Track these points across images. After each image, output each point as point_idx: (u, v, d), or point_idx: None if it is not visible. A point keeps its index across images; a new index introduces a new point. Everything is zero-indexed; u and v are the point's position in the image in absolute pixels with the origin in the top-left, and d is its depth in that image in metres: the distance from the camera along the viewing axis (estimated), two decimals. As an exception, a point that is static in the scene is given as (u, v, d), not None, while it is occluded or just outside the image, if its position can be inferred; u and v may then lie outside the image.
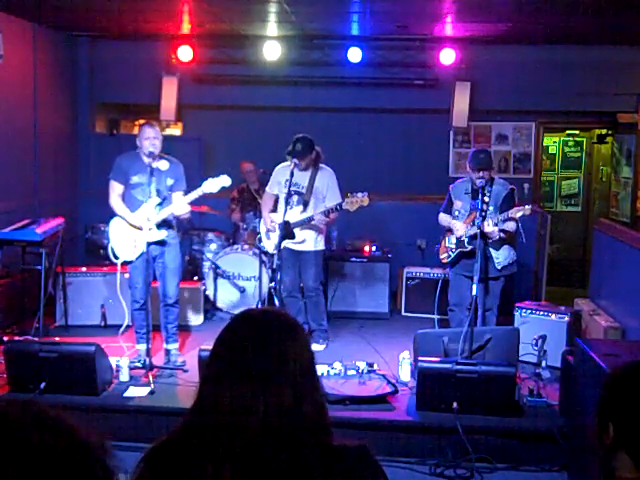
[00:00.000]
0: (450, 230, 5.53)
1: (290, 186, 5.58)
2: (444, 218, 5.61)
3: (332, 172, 5.85)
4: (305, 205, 5.76)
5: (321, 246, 5.94)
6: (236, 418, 1.32)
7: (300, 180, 5.76)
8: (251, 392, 1.33)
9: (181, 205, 5.12)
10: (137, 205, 5.19)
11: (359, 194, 5.47)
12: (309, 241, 5.82)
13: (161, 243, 5.21)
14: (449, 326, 5.68)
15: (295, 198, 5.78)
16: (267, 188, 6.05)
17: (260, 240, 6.15)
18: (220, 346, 1.44)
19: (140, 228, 5.16)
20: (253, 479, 1.30)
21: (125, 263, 5.32)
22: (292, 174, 5.54)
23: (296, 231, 5.71)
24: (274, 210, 5.98)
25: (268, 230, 5.95)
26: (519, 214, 4.98)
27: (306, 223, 5.72)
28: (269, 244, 5.95)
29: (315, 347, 5.91)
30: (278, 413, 1.33)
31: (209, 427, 1.35)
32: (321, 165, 5.82)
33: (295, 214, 5.75)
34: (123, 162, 5.27)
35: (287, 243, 5.73)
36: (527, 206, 4.99)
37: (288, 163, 5.69)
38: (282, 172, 5.80)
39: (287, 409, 1.33)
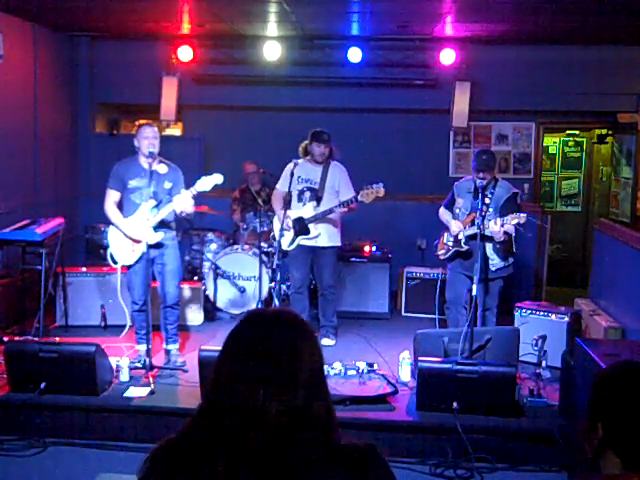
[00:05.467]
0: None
1: (291, 184, 5.65)
2: (444, 214, 5.61)
3: (343, 167, 5.88)
4: (318, 200, 5.78)
5: (336, 242, 5.93)
6: (248, 418, 1.33)
7: (312, 176, 5.80)
8: (264, 393, 1.33)
9: (186, 200, 5.09)
10: (135, 208, 5.19)
11: (374, 185, 5.50)
12: (323, 236, 5.82)
13: (159, 245, 5.20)
14: (447, 324, 5.70)
15: (307, 194, 5.81)
16: (278, 185, 6.04)
17: (274, 238, 6.14)
18: (231, 346, 1.43)
19: (132, 239, 5.17)
20: (264, 478, 1.31)
21: (124, 266, 5.32)
22: (292, 174, 5.65)
23: (310, 226, 5.74)
24: (286, 208, 5.97)
25: (282, 228, 5.93)
26: (514, 222, 4.91)
27: (321, 217, 5.73)
28: (284, 241, 5.94)
29: (325, 342, 5.95)
30: (290, 413, 1.33)
31: (220, 427, 1.35)
32: (332, 161, 5.85)
33: (308, 210, 5.78)
34: (120, 169, 5.26)
35: (301, 240, 5.76)
36: (522, 214, 4.91)
37: (300, 161, 5.76)
38: (295, 169, 5.82)
39: (299, 409, 1.34)
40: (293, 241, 5.83)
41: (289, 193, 5.85)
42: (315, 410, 1.36)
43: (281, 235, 5.76)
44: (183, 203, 5.08)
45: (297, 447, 1.32)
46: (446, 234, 5.55)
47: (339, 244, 6.01)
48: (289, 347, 1.39)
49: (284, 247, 5.93)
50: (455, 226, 5.37)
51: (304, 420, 1.34)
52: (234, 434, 1.33)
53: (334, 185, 5.82)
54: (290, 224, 5.79)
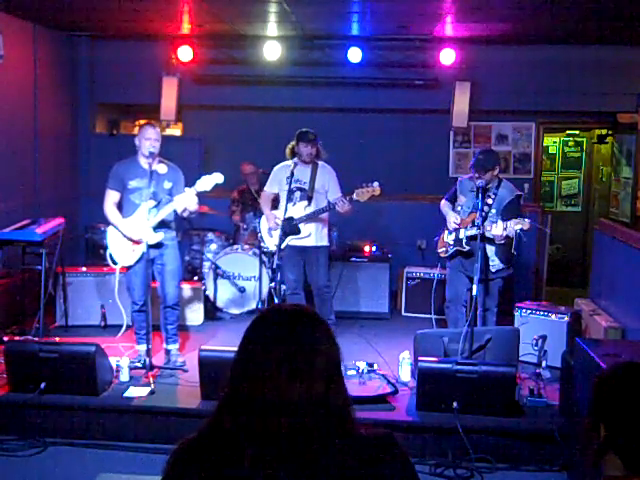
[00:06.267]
0: None
1: (291, 183, 5.67)
2: (444, 206, 5.59)
3: (331, 169, 5.90)
4: (309, 200, 5.79)
5: (325, 241, 5.95)
6: (269, 411, 1.36)
7: (302, 176, 5.81)
8: (284, 385, 1.37)
9: (190, 197, 5.07)
10: (134, 209, 5.18)
11: (370, 184, 5.49)
12: (313, 235, 5.83)
13: (159, 245, 5.20)
14: (447, 323, 5.69)
15: (298, 194, 5.81)
16: (266, 187, 6.06)
17: (262, 239, 6.14)
18: (251, 340, 1.46)
19: (131, 239, 5.16)
20: (287, 469, 1.35)
21: (124, 267, 5.32)
22: (292, 173, 5.66)
23: (301, 226, 5.74)
24: (274, 209, 5.99)
25: (270, 228, 5.95)
26: (518, 227, 4.89)
27: (312, 217, 5.74)
28: (271, 242, 5.94)
29: None
30: (309, 404, 1.37)
31: (243, 421, 1.38)
32: (320, 162, 5.86)
33: (299, 209, 5.78)
34: (120, 169, 5.26)
35: (290, 240, 5.76)
36: (526, 220, 4.90)
37: (288, 163, 5.75)
38: (282, 171, 5.84)
39: (317, 400, 1.38)
40: (282, 241, 5.82)
41: (276, 195, 5.89)
42: (333, 400, 1.40)
43: (269, 235, 5.77)
44: (187, 201, 5.07)
45: (316, 437, 1.36)
46: (446, 231, 5.53)
47: (327, 244, 6.04)
48: (308, 338, 1.43)
49: (271, 248, 5.93)
50: (452, 217, 5.36)
51: (322, 409, 1.38)
52: (257, 428, 1.36)
53: (324, 185, 5.82)
54: (279, 223, 5.79)
